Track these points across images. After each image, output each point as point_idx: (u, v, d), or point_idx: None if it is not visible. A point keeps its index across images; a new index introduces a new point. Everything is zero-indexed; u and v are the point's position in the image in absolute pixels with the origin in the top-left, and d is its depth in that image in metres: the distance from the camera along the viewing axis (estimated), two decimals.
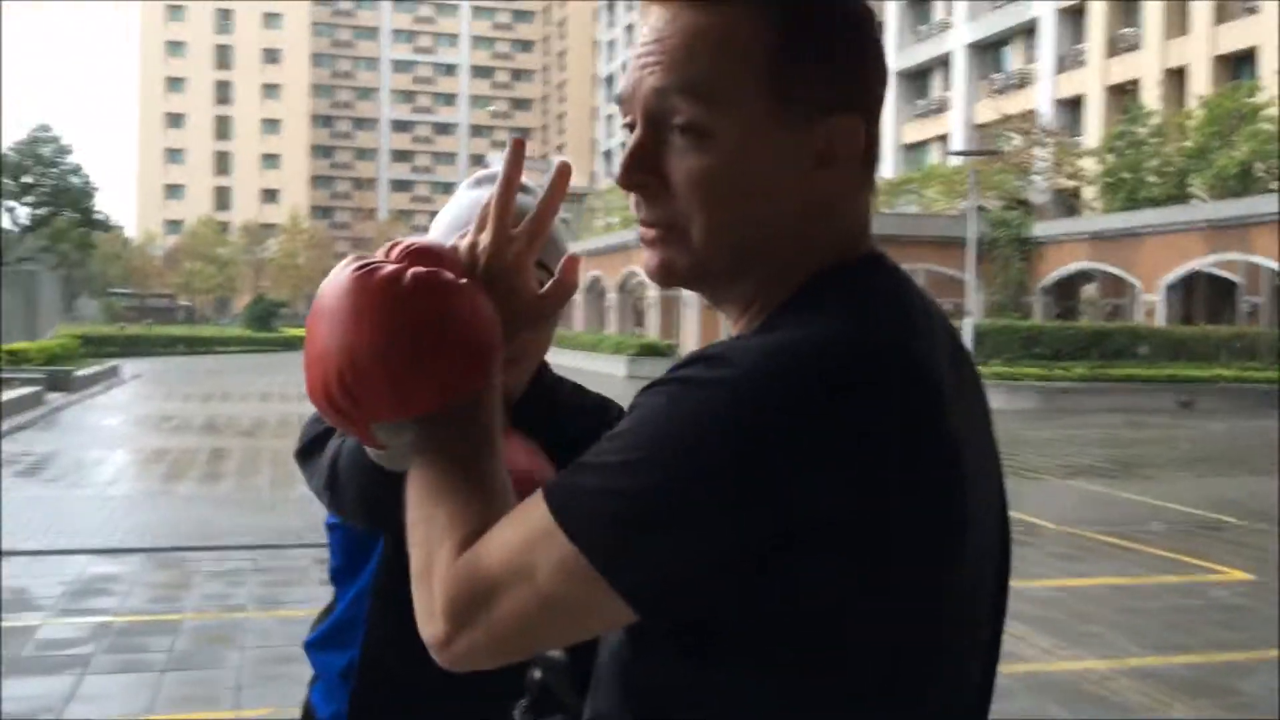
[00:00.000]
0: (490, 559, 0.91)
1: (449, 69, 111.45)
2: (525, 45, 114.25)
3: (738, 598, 0.87)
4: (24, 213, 51.82)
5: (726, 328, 1.04)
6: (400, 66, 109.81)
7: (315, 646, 1.81)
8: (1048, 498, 11.47)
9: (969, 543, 0.94)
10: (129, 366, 31.62)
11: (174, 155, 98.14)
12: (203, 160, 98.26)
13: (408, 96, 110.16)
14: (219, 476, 12.15)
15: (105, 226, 57.46)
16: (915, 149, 48.89)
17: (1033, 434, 18.11)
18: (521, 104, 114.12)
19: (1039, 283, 34.97)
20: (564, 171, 1.09)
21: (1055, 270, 34.56)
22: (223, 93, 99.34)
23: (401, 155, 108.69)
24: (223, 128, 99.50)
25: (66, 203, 50.99)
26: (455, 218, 1.62)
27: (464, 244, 1.09)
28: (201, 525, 9.22)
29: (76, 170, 52.27)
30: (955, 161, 37.54)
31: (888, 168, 47.47)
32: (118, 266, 74.27)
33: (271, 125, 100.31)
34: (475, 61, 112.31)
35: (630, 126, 0.99)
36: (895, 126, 48.52)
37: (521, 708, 1.39)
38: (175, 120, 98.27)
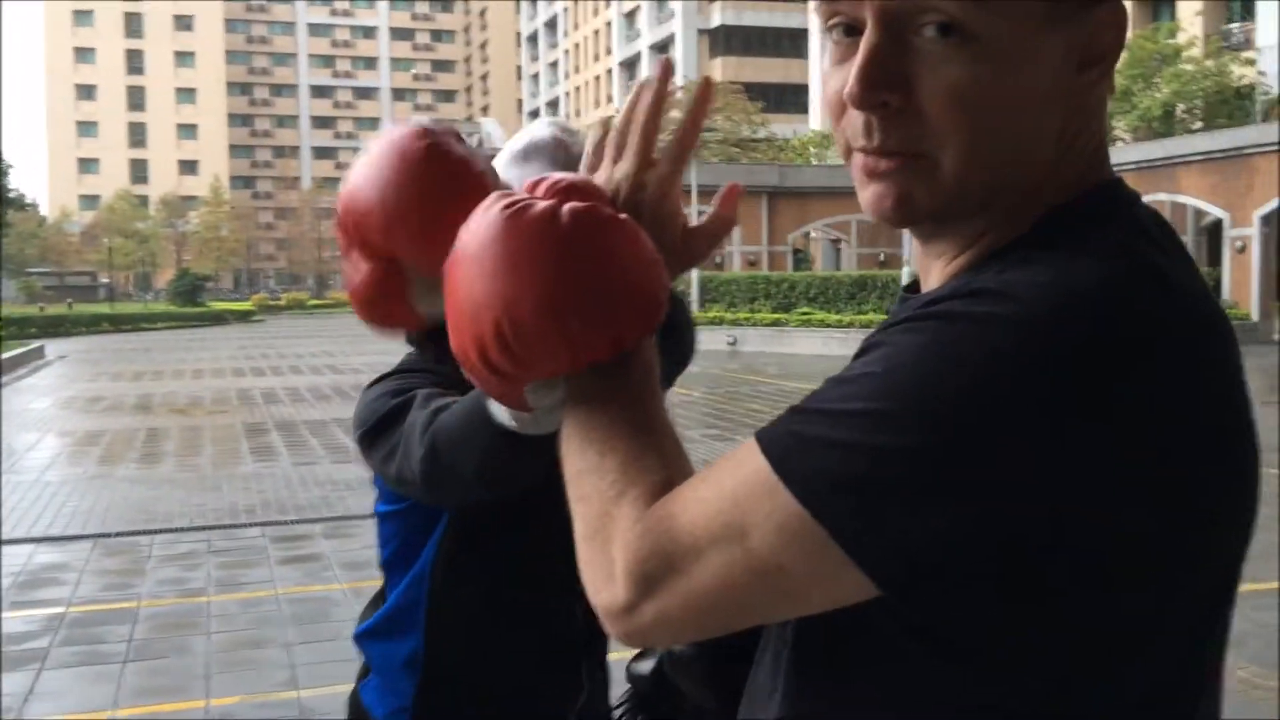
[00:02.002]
0: (689, 515, 0.77)
1: (367, 31, 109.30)
2: (445, 6, 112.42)
3: (1005, 593, 0.71)
4: None
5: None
6: (317, 30, 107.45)
7: (370, 636, 1.67)
8: None
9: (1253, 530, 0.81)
10: (53, 347, 30.77)
11: (86, 128, 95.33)
12: (116, 132, 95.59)
13: (326, 61, 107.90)
14: (159, 457, 11.78)
15: (18, 204, 55.87)
16: None
17: None
18: (444, 65, 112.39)
19: None
20: (706, 87, 0.94)
21: None
22: (135, 62, 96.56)
23: (323, 121, 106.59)
24: (136, 98, 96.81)
25: None
26: None
27: (598, 178, 0.94)
28: (147, 507, 8.92)
29: None
30: None
31: (815, 119, 47.51)
32: (34, 245, 72.23)
33: (187, 94, 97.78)
34: (394, 24, 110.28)
35: (846, 28, 0.80)
36: (821, 78, 48.49)
37: (624, 706, 1.26)
38: (86, 91, 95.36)
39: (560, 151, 1.52)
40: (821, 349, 24.16)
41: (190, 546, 7.53)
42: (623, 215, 0.87)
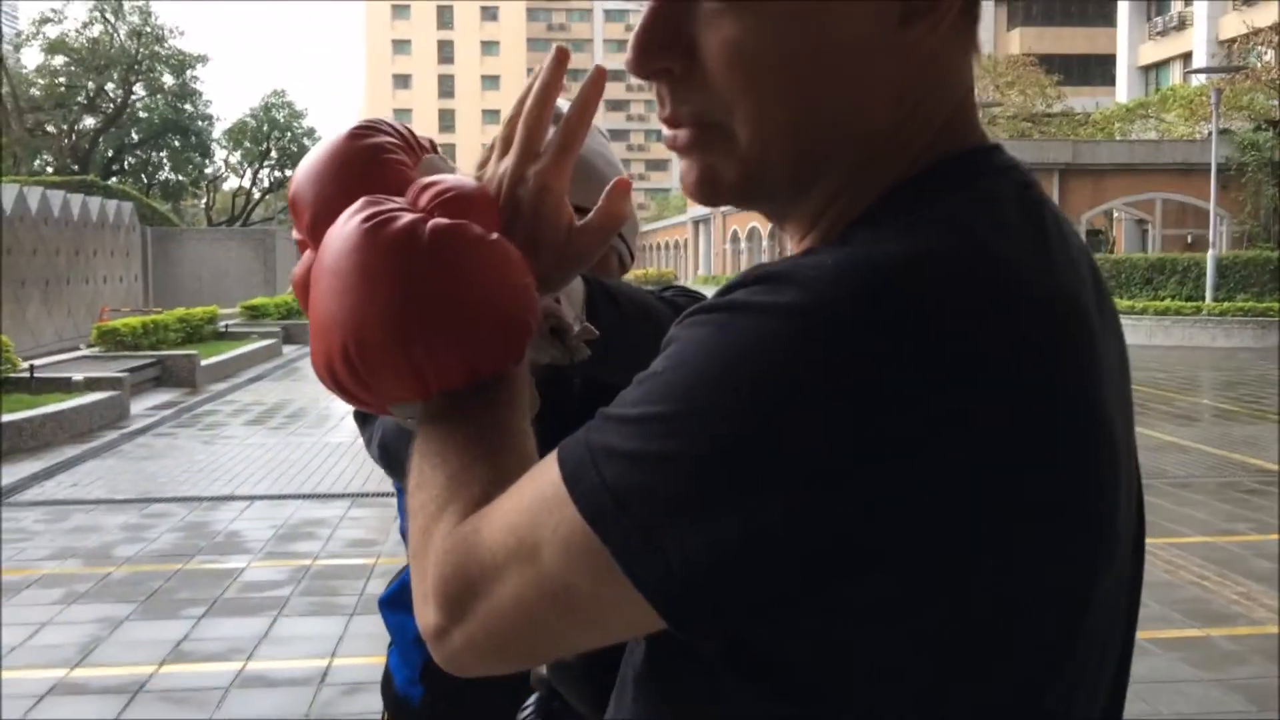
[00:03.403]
0: (490, 530, 0.71)
1: None
2: None
3: (804, 611, 0.64)
4: (263, 175, 55.17)
5: None
6: (612, 16, 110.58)
7: (389, 605, 1.70)
8: None
9: (1117, 528, 0.71)
10: None
11: (401, 115, 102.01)
12: (428, 118, 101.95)
13: (621, 45, 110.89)
14: None
15: None
16: (1153, 70, 45.64)
17: None
18: None
19: None
20: (597, 76, 0.87)
21: None
22: (445, 52, 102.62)
23: (616, 105, 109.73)
24: (445, 86, 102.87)
25: None
26: None
27: (486, 174, 0.89)
28: None
29: (310, 133, 55.25)
30: (1198, 82, 34.78)
31: (1121, 91, 44.59)
32: None
33: (491, 81, 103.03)
34: None
35: None
36: (1130, 47, 45.39)
37: (530, 709, 1.21)
38: (402, 81, 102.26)
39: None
40: None
41: None
42: (495, 235, 0.81)
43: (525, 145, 0.87)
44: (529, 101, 0.88)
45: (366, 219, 0.80)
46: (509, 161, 0.87)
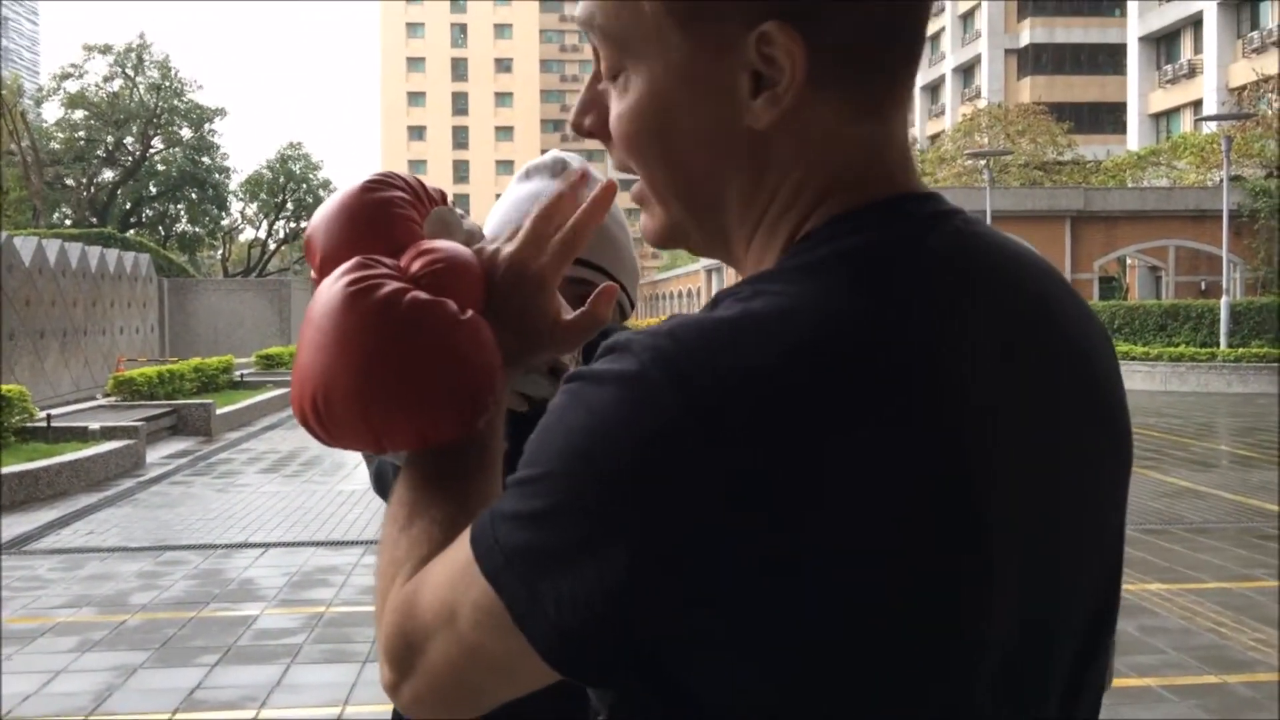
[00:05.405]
0: (425, 594, 0.77)
1: None
2: None
3: (669, 660, 0.69)
4: (279, 226, 55.62)
5: None
6: None
7: None
8: None
9: (993, 578, 0.69)
10: None
11: (417, 166, 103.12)
12: (443, 169, 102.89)
13: None
14: None
15: None
16: (1164, 117, 45.80)
17: None
18: None
19: None
20: (608, 189, 0.94)
21: None
22: (460, 104, 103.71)
23: None
24: (460, 137, 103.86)
25: None
26: (504, 217, 1.51)
27: (489, 248, 0.95)
28: None
29: (326, 185, 55.77)
30: (1209, 129, 34.87)
31: (1132, 139, 44.74)
32: None
33: (505, 132, 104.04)
34: None
35: None
36: (1140, 95, 45.60)
37: None
38: (417, 133, 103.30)
39: (559, 166, 1.53)
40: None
41: None
42: (469, 314, 0.86)
43: (533, 238, 0.92)
44: (554, 204, 0.93)
45: (351, 283, 0.86)
46: (512, 248, 0.93)
